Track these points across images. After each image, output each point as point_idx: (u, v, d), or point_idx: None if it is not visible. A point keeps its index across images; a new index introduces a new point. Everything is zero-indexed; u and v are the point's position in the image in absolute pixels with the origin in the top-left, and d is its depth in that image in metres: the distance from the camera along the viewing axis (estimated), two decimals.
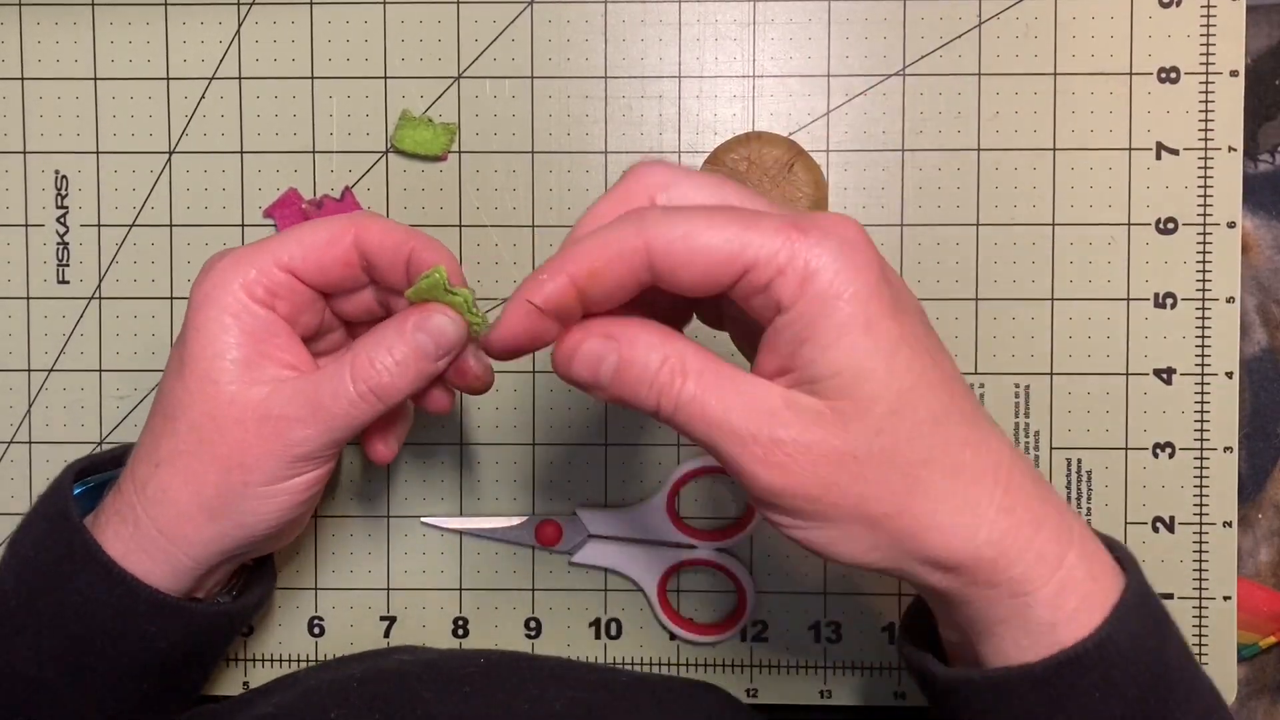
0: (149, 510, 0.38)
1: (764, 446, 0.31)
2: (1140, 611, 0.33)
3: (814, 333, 0.30)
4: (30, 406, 0.50)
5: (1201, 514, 0.48)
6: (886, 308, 0.31)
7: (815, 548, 0.33)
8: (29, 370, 0.50)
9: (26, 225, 0.50)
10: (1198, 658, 0.48)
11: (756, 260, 0.30)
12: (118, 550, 0.39)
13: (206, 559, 0.39)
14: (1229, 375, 0.48)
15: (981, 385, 0.49)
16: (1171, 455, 0.49)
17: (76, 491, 0.41)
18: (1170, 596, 0.49)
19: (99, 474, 0.43)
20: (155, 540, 0.39)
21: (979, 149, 0.48)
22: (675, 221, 0.31)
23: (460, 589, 0.50)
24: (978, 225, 0.49)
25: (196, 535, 0.39)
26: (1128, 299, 0.48)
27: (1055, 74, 0.48)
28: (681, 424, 0.32)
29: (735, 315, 0.36)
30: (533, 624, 0.50)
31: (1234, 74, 0.48)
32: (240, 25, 0.49)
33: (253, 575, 0.45)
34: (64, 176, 0.49)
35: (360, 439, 0.41)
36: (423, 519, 0.50)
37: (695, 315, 0.37)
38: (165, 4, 0.49)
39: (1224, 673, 0.48)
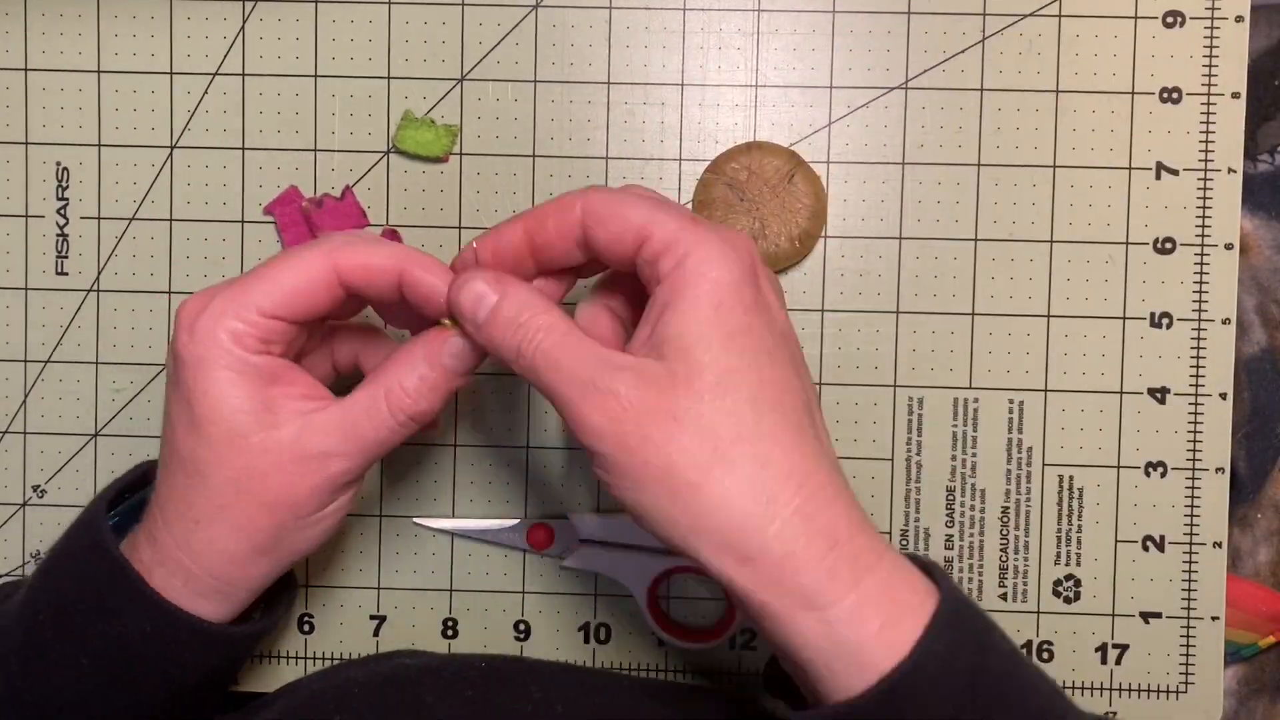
0: (200, 563, 0.39)
1: (600, 394, 0.35)
2: (953, 626, 0.34)
3: (675, 299, 0.35)
4: (26, 397, 0.50)
5: (1191, 534, 0.49)
6: (741, 301, 0.35)
7: (630, 512, 0.36)
8: (25, 361, 0.50)
9: (26, 216, 0.50)
10: (1185, 677, 0.48)
11: (654, 234, 0.36)
12: (172, 595, 0.39)
13: (262, 587, 0.41)
14: (1223, 396, 0.48)
15: (975, 400, 0.49)
16: (1163, 475, 0.49)
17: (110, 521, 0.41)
18: (1158, 615, 0.49)
19: (126, 499, 0.44)
20: (214, 585, 0.39)
21: (979, 164, 0.49)
22: (610, 193, 0.37)
23: (450, 590, 0.50)
24: (976, 240, 0.49)
25: (255, 573, 0.40)
26: (1124, 318, 0.49)
27: (1057, 91, 0.48)
28: (533, 373, 0.36)
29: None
30: (522, 626, 0.50)
31: (1235, 96, 0.48)
32: (245, 22, 0.49)
33: (273, 586, 0.45)
34: (65, 168, 0.50)
35: None
36: (414, 519, 0.50)
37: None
38: None
39: (1210, 693, 0.49)
